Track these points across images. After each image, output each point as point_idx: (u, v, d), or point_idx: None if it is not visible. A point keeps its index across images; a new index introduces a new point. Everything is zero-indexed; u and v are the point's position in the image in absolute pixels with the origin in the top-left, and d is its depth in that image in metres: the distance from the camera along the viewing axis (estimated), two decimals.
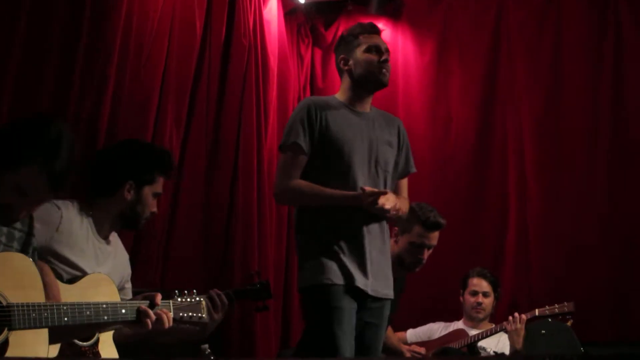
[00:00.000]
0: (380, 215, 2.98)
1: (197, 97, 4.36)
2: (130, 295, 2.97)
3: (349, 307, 2.92)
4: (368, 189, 2.93)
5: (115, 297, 2.68)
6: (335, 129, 3.07)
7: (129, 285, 3.03)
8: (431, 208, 3.86)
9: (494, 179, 5.27)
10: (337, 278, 2.92)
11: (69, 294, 2.53)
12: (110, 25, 3.64)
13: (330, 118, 3.08)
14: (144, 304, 2.51)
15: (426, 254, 3.87)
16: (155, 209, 2.99)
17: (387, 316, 3.13)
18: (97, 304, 2.38)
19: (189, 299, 2.73)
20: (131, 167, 2.91)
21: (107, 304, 2.42)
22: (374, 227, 3.06)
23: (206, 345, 3.12)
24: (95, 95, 3.57)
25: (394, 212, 2.95)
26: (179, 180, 4.17)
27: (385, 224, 3.13)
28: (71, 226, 2.74)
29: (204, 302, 2.80)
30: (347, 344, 2.88)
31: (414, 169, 3.33)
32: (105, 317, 2.38)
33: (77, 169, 2.31)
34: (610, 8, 5.15)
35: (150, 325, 2.50)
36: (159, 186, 2.97)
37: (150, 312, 2.51)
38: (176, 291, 2.73)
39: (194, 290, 2.79)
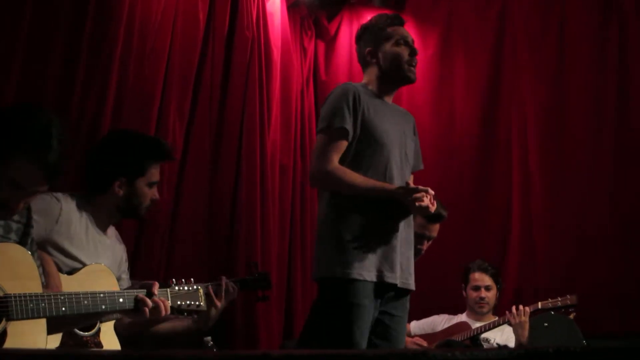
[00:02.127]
0: (416, 212, 2.93)
1: (200, 89, 4.36)
2: (127, 285, 2.97)
3: (371, 305, 2.86)
4: (412, 185, 2.90)
5: (114, 288, 2.68)
6: (376, 118, 3.02)
7: (125, 275, 3.04)
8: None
9: (498, 172, 5.26)
10: (368, 274, 2.85)
11: (68, 284, 2.54)
12: (114, 17, 3.64)
13: (371, 106, 3.02)
14: (141, 293, 2.52)
15: (426, 245, 3.86)
16: (156, 196, 2.98)
17: (408, 309, 3.09)
18: (94, 293, 2.38)
19: (186, 287, 2.72)
20: (118, 162, 2.89)
21: (104, 293, 2.42)
22: (405, 221, 3.01)
23: (209, 338, 3.13)
24: (98, 87, 3.57)
25: (431, 211, 2.89)
26: (181, 173, 4.17)
27: (411, 218, 3.07)
28: (70, 218, 2.75)
29: (201, 290, 2.78)
30: (362, 342, 2.83)
31: (422, 166, 3.32)
32: (103, 307, 2.38)
33: (69, 158, 2.29)
34: (615, 4, 5.14)
35: (147, 313, 2.50)
36: (153, 175, 2.95)
37: (148, 300, 2.51)
38: (173, 279, 2.72)
39: (192, 279, 2.78)
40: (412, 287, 3.04)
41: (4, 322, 2.11)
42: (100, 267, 2.71)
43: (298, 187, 5.23)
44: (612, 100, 5.04)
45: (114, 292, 2.46)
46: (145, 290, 2.53)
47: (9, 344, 2.10)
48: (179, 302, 2.70)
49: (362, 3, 5.68)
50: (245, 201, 4.49)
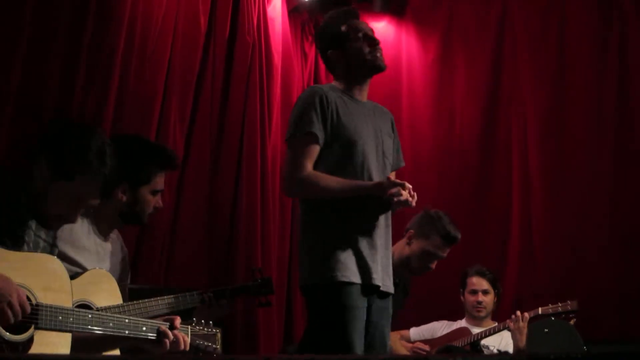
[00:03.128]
0: (396, 207, 2.88)
1: (201, 93, 4.37)
2: (126, 292, 2.96)
3: (362, 305, 2.84)
4: (391, 178, 2.86)
5: (115, 294, 2.69)
6: (346, 118, 2.95)
7: (127, 282, 3.03)
8: (450, 219, 3.85)
9: (498, 176, 5.26)
10: (355, 276, 2.82)
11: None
12: (115, 21, 3.65)
13: (339, 107, 2.97)
14: (164, 325, 2.53)
15: (435, 264, 3.87)
16: (159, 204, 2.98)
17: (391, 314, 3.06)
18: (120, 318, 2.43)
19: (206, 329, 2.76)
20: (124, 168, 2.83)
21: (129, 319, 2.46)
22: (382, 220, 2.96)
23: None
24: (99, 91, 3.57)
25: (411, 204, 2.83)
26: (182, 176, 4.17)
27: (390, 217, 3.03)
28: (74, 224, 2.75)
29: (219, 335, 2.80)
30: (360, 344, 2.81)
31: (403, 163, 3.27)
32: (127, 332, 2.42)
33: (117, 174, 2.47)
34: (615, 4, 5.15)
35: (167, 346, 2.52)
36: (158, 184, 2.94)
37: (170, 333, 2.53)
38: (194, 319, 2.75)
39: (211, 322, 2.80)
40: (392, 290, 3.01)
41: (32, 329, 2.15)
42: (101, 272, 2.71)
43: None
44: (612, 101, 5.04)
45: (138, 320, 2.49)
46: (168, 324, 2.55)
47: (34, 351, 2.15)
48: (197, 341, 2.73)
49: (362, 8, 5.66)
50: (246, 205, 4.50)
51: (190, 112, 4.26)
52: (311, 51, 5.61)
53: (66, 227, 2.71)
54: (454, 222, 3.88)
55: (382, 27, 5.67)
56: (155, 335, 2.50)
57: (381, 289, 2.91)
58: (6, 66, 3.14)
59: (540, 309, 4.17)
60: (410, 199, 2.80)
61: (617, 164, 4.97)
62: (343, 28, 3.09)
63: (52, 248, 2.46)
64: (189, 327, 2.70)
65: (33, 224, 2.37)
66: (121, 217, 2.91)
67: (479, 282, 4.45)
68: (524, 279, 5.03)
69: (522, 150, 5.20)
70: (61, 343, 2.23)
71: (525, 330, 4.09)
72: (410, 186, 2.83)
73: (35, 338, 2.15)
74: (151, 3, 3.94)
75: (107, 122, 3.58)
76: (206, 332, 2.76)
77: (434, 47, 5.58)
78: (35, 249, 2.38)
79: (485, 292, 4.44)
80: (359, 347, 2.79)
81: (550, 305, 4.16)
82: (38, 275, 2.22)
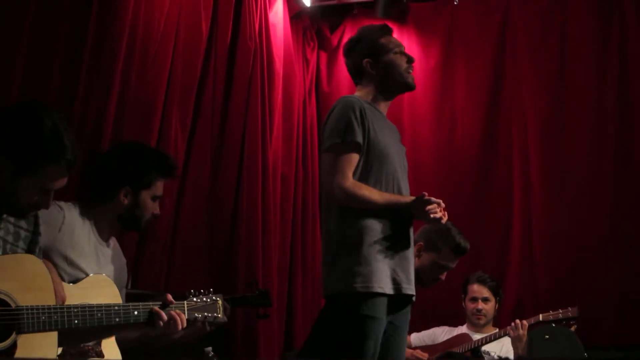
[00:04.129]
0: (430, 222, 2.95)
1: (202, 99, 4.36)
2: (124, 300, 2.96)
3: (385, 318, 2.87)
4: (427, 195, 2.91)
5: (117, 299, 2.67)
6: (380, 131, 3.02)
7: (124, 290, 3.02)
8: (459, 230, 3.86)
9: (499, 181, 5.27)
10: (387, 287, 2.84)
11: (71, 294, 2.52)
12: (116, 26, 3.64)
13: (374, 120, 3.02)
14: (156, 305, 2.48)
15: (445, 275, 3.88)
16: (157, 211, 2.98)
17: (409, 319, 3.10)
18: (108, 306, 2.37)
19: (204, 299, 2.70)
20: (127, 171, 2.89)
21: (118, 305, 2.41)
22: (411, 232, 3.04)
23: (209, 348, 3.11)
24: (100, 96, 3.56)
25: (443, 221, 2.94)
26: (182, 182, 4.17)
27: (412, 228, 3.08)
28: (73, 227, 2.75)
29: (220, 301, 2.75)
30: (375, 357, 2.83)
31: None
32: (117, 319, 2.37)
33: (79, 148, 2.34)
34: (616, 9, 5.16)
35: (162, 327, 2.47)
36: (158, 189, 2.95)
37: (163, 314, 2.48)
38: (191, 290, 2.69)
39: (210, 289, 2.75)
40: (414, 296, 3.05)
41: (14, 335, 2.10)
42: (102, 278, 2.70)
43: (299, 196, 5.24)
44: (612, 103, 5.06)
45: (128, 305, 2.44)
46: (160, 303, 2.50)
47: (19, 357, 2.10)
48: (196, 315, 2.67)
49: (364, 14, 5.70)
50: (247, 210, 4.49)
51: (191, 117, 4.25)
52: (313, 57, 5.62)
53: (67, 231, 2.71)
54: (461, 231, 3.88)
55: None
56: (147, 317, 2.45)
57: (411, 294, 2.96)
58: (7, 70, 3.14)
59: (540, 315, 4.17)
60: (443, 217, 2.91)
61: (617, 166, 4.98)
62: (382, 40, 3.16)
63: (34, 235, 2.40)
64: (185, 302, 2.64)
65: (10, 218, 2.32)
66: (120, 221, 2.90)
67: (480, 290, 4.44)
68: (524, 282, 5.03)
69: (522, 154, 5.22)
70: (47, 343, 2.18)
71: (525, 338, 4.09)
72: (444, 204, 2.93)
73: (19, 342, 2.10)
74: (153, 8, 3.94)
75: (108, 126, 3.58)
76: (205, 302, 2.71)
77: (435, 53, 5.60)
78: (16, 240, 2.33)
79: (485, 300, 4.43)
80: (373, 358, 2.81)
81: (550, 312, 4.16)
82: (16, 277, 2.15)
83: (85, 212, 2.83)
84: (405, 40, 5.64)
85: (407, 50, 5.59)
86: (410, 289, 2.93)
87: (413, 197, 2.94)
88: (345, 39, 5.68)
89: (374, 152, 2.98)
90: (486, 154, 5.34)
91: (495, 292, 4.47)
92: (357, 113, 2.96)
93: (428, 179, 5.25)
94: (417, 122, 5.47)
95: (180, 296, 2.66)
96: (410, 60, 3.16)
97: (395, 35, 5.50)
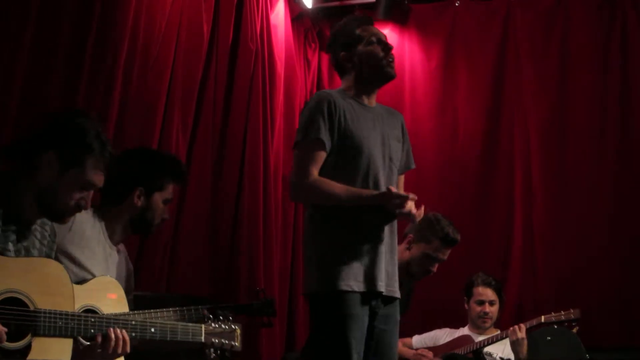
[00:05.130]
0: (399, 217, 2.89)
1: (203, 101, 4.36)
2: (131, 306, 2.95)
3: (362, 313, 2.83)
4: (394, 189, 2.81)
5: (123, 302, 2.67)
6: (353, 125, 2.95)
7: (130, 297, 3.02)
8: (449, 222, 3.83)
9: (500, 183, 5.26)
10: (358, 285, 2.81)
11: (77, 295, 2.52)
12: (118, 28, 3.65)
13: (347, 113, 2.96)
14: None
15: (436, 267, 3.86)
16: (167, 215, 3.01)
17: (398, 320, 3.05)
18: (126, 320, 2.39)
19: (223, 325, 2.72)
20: (141, 173, 2.91)
21: (136, 320, 2.42)
22: (388, 227, 2.96)
23: (211, 350, 3.11)
24: (102, 99, 3.57)
25: (414, 218, 2.83)
26: (184, 185, 4.17)
27: (395, 223, 3.01)
28: (83, 228, 2.75)
29: (238, 330, 2.76)
30: (359, 351, 2.80)
31: (413, 165, 3.25)
32: (134, 334, 2.38)
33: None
34: (618, 12, 5.16)
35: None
36: (169, 192, 2.97)
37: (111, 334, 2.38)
38: (211, 316, 2.71)
39: (230, 317, 2.76)
40: (398, 294, 2.99)
41: (29, 336, 2.12)
42: (109, 280, 2.70)
43: None
44: (615, 110, 5.06)
45: (146, 321, 2.46)
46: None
47: (31, 359, 2.11)
48: (213, 340, 2.68)
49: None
50: (248, 212, 4.49)
51: (192, 119, 4.26)
52: (314, 58, 5.62)
53: (77, 231, 2.71)
54: (453, 223, 3.86)
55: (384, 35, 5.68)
56: (164, 336, 2.45)
57: (384, 293, 2.90)
58: (8, 73, 3.14)
59: (543, 317, 4.17)
60: (414, 211, 2.80)
61: (619, 172, 4.98)
62: (358, 31, 3.09)
63: (52, 239, 2.46)
64: (203, 326, 2.65)
65: (41, 220, 2.38)
66: (132, 224, 2.91)
67: (486, 293, 4.43)
68: (526, 286, 5.03)
69: (524, 156, 5.21)
70: (61, 349, 2.19)
71: (525, 342, 4.09)
72: (416, 198, 2.82)
73: (34, 345, 2.12)
74: (154, 10, 3.95)
75: (110, 129, 3.58)
76: (224, 330, 2.71)
77: (436, 54, 5.59)
78: (42, 239, 2.38)
79: (491, 303, 4.43)
80: (356, 355, 2.78)
81: (553, 313, 4.15)
82: (37, 281, 2.18)
83: (97, 215, 2.84)
84: (406, 41, 5.65)
85: (408, 52, 5.67)
86: (382, 285, 2.86)
87: (379, 192, 2.86)
88: None
89: (346, 147, 2.92)
90: (487, 156, 5.33)
91: (499, 293, 4.47)
92: (325, 108, 2.90)
93: (429, 181, 5.25)
94: (418, 123, 5.46)
95: (200, 317, 2.68)
96: (387, 48, 3.07)
97: (396, 36, 5.59)
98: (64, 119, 2.38)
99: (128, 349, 2.40)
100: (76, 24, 3.46)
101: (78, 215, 2.71)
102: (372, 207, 2.86)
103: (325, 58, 5.76)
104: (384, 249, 2.92)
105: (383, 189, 2.92)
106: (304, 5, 5.41)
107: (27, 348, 2.11)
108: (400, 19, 5.67)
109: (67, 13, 3.42)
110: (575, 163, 5.09)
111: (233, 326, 2.75)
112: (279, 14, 5.12)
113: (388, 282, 2.93)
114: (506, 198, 5.23)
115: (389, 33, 5.67)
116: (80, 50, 3.46)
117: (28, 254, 2.30)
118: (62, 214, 2.36)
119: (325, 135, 2.89)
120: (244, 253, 4.43)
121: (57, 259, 2.59)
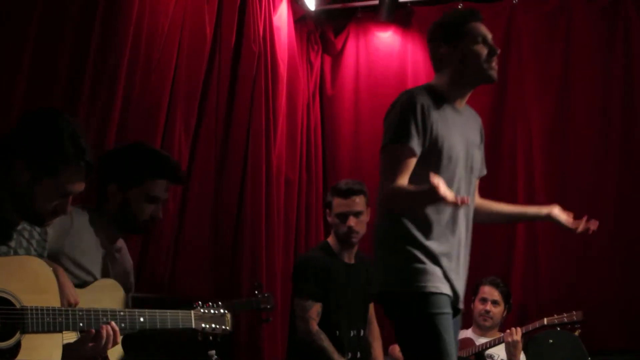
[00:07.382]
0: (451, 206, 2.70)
1: (206, 103, 4.37)
2: (130, 304, 2.96)
3: (450, 312, 2.74)
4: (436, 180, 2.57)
5: (122, 304, 2.68)
6: (444, 131, 2.78)
7: (131, 293, 3.02)
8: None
9: (502, 187, 5.24)
10: (444, 287, 2.72)
11: (80, 297, 2.53)
12: (120, 30, 3.65)
13: (439, 120, 2.78)
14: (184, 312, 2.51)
15: (352, 220, 3.81)
16: (157, 214, 2.93)
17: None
18: (113, 311, 2.37)
19: (212, 311, 2.70)
20: (114, 169, 2.86)
21: (124, 311, 2.40)
22: (464, 236, 2.91)
23: (213, 352, 3.12)
24: (105, 100, 3.57)
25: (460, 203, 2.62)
26: (186, 186, 4.18)
27: (470, 237, 2.94)
28: (82, 231, 2.75)
29: (229, 315, 2.75)
30: (455, 353, 2.71)
31: (485, 171, 3.14)
32: (123, 325, 2.36)
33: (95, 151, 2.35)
34: (620, 16, 5.15)
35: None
36: (152, 189, 2.87)
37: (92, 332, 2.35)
38: (199, 302, 2.69)
39: (219, 302, 2.75)
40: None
41: (18, 334, 2.10)
42: (110, 282, 2.70)
43: (303, 200, 5.25)
44: (617, 109, 5.05)
45: (134, 311, 2.43)
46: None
47: (22, 357, 2.11)
48: (203, 325, 2.67)
49: (369, 17, 5.70)
50: (250, 214, 4.50)
51: (195, 121, 4.26)
52: (317, 60, 5.63)
53: (75, 234, 2.71)
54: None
55: (387, 37, 5.69)
56: (155, 324, 2.45)
57: (460, 307, 2.85)
58: (11, 77, 3.14)
59: (545, 319, 4.17)
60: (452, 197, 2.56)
61: (622, 173, 4.98)
62: (465, 27, 2.91)
63: (44, 242, 2.42)
64: (192, 311, 2.64)
65: (25, 224, 2.33)
66: (115, 221, 2.87)
67: (490, 292, 4.44)
68: (528, 287, 5.02)
69: (526, 158, 5.21)
70: (51, 345, 2.18)
71: (519, 345, 4.09)
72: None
73: (23, 343, 2.11)
74: (157, 12, 3.95)
75: (112, 131, 3.58)
76: (213, 314, 2.71)
77: None
78: (31, 237, 2.35)
79: (494, 303, 4.43)
80: (453, 356, 2.68)
81: (555, 316, 4.16)
82: (21, 278, 2.15)
83: (93, 216, 2.83)
84: (409, 43, 5.65)
85: (410, 54, 5.67)
86: (458, 300, 2.80)
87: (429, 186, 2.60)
88: (349, 43, 5.71)
89: (434, 156, 2.77)
90: (490, 158, 5.29)
91: (505, 297, 4.46)
92: (418, 113, 2.73)
93: None
94: None
95: (188, 306, 2.67)
96: (492, 51, 2.89)
97: (399, 38, 5.60)
98: (36, 123, 2.24)
99: (119, 340, 2.38)
100: (79, 26, 3.46)
101: (75, 218, 2.72)
102: (453, 211, 2.79)
103: (328, 60, 5.75)
104: (462, 251, 2.90)
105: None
106: (307, 7, 5.42)
107: (17, 346, 2.10)
108: (403, 22, 5.67)
109: (70, 15, 3.42)
110: (577, 164, 5.09)
111: (222, 311, 2.73)
112: (282, 16, 5.12)
113: (460, 295, 2.86)
114: (509, 199, 5.21)
115: (392, 35, 5.69)
116: (83, 52, 3.47)
117: (15, 254, 2.27)
118: (41, 220, 2.29)
119: (416, 143, 2.72)
120: (246, 254, 4.43)
121: (58, 262, 2.59)
